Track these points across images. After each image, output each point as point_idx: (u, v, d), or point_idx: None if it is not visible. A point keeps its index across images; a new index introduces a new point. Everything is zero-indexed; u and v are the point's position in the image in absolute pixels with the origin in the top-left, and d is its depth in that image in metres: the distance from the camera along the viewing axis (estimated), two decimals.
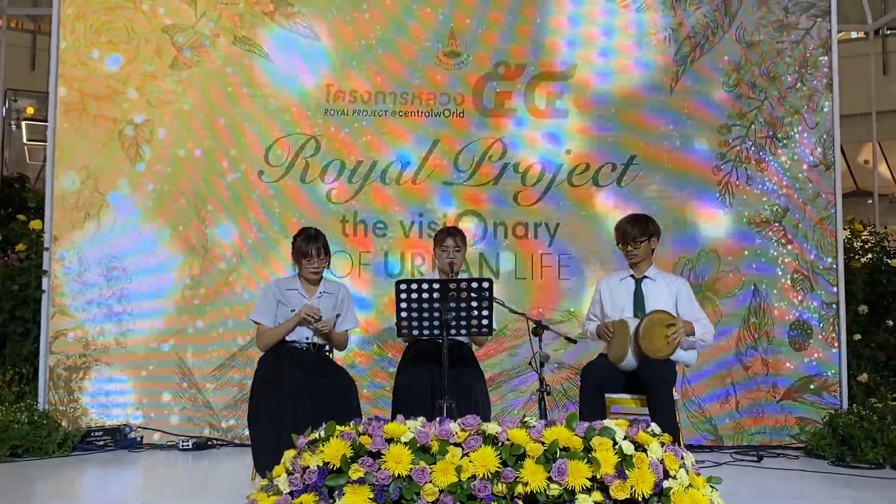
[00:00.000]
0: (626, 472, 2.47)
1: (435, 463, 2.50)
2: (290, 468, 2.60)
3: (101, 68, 5.64)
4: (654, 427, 2.69)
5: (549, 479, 2.45)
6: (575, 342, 4.40)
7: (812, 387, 5.57)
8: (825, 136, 5.71)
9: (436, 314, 3.91)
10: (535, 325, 4.09)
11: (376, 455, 2.52)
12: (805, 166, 5.70)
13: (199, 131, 5.65)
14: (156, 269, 5.57)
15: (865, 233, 6.38)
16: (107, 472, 4.67)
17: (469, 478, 2.47)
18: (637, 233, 4.39)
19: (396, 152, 5.69)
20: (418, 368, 4.27)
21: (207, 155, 5.65)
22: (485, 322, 3.99)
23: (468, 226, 5.55)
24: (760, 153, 5.70)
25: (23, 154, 10.55)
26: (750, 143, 5.70)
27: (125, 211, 5.59)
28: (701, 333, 4.26)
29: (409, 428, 2.59)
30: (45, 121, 5.84)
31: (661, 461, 2.53)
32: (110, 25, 5.66)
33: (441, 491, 2.44)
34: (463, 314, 3.94)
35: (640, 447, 2.56)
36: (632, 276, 4.48)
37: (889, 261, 6.08)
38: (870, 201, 9.24)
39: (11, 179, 6.90)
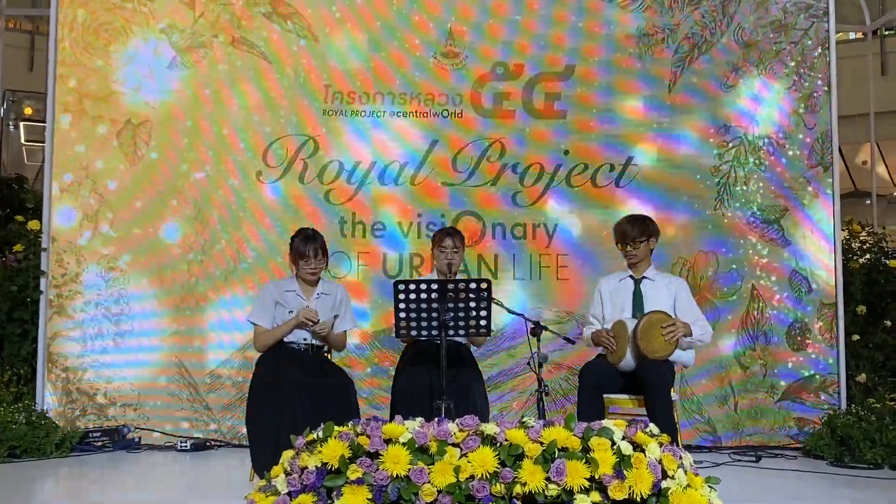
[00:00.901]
0: (625, 472, 2.46)
1: (433, 463, 2.49)
2: (289, 469, 2.60)
3: (100, 69, 5.64)
4: (653, 427, 2.68)
5: (548, 479, 2.45)
6: (573, 343, 4.40)
7: (810, 387, 5.58)
8: (823, 137, 5.72)
9: (434, 315, 3.91)
10: (533, 326, 4.10)
11: (374, 455, 2.52)
12: (803, 167, 5.71)
13: (196, 132, 5.65)
14: (154, 270, 5.57)
15: (864, 233, 6.38)
16: (105, 472, 4.66)
17: (467, 478, 2.46)
18: (636, 233, 4.40)
19: (395, 153, 5.69)
20: (417, 369, 4.27)
21: (205, 156, 5.64)
22: (483, 323, 3.99)
23: (466, 226, 5.54)
24: (759, 153, 5.71)
25: (21, 155, 10.54)
26: (748, 143, 5.70)
27: (123, 211, 5.59)
28: (699, 334, 4.27)
29: (408, 428, 2.59)
30: (44, 121, 5.83)
31: (660, 461, 2.53)
32: (109, 26, 5.66)
33: (439, 491, 2.44)
34: (461, 315, 3.94)
35: (638, 447, 2.56)
36: (631, 276, 4.49)
37: (887, 261, 6.08)
38: (868, 202, 9.25)
39: (9, 180, 6.89)
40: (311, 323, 4.14)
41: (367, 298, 5.59)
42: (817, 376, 5.59)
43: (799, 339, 5.61)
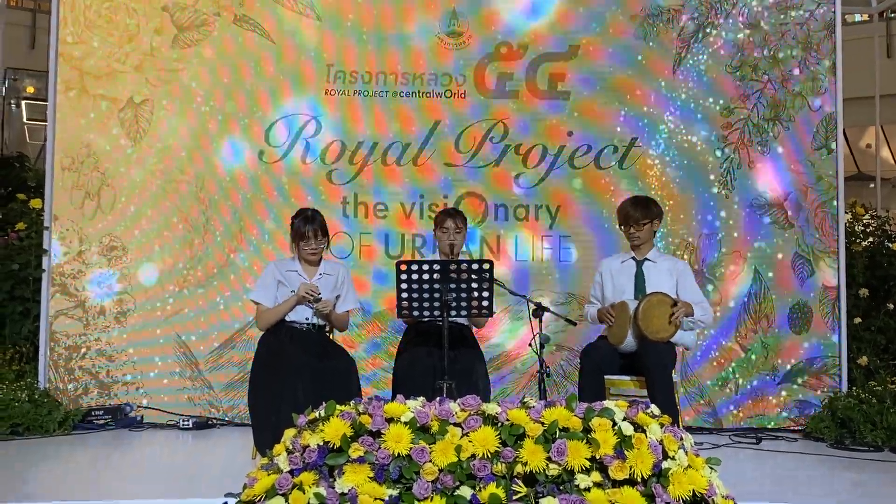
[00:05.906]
0: (626, 452, 2.46)
1: (435, 443, 2.49)
2: (291, 447, 2.60)
3: (101, 47, 5.61)
4: (654, 408, 2.68)
5: (549, 459, 2.45)
6: (575, 324, 4.40)
7: (812, 370, 5.58)
8: (828, 119, 5.69)
9: (436, 295, 3.91)
10: (535, 307, 4.09)
11: (376, 434, 2.52)
12: (807, 149, 5.68)
13: (198, 111, 5.63)
14: (156, 249, 5.57)
15: (867, 216, 6.37)
16: (107, 450, 4.68)
17: (468, 457, 2.46)
18: (640, 215, 4.38)
19: (397, 133, 5.68)
20: (418, 350, 4.27)
21: (207, 134, 5.63)
22: (485, 304, 3.98)
23: (469, 207, 5.53)
24: (763, 136, 5.68)
25: (23, 133, 10.53)
26: (752, 125, 5.68)
27: (125, 190, 5.58)
28: (700, 315, 4.26)
29: (409, 408, 2.59)
30: (45, 100, 5.82)
31: (661, 442, 2.53)
32: (110, 3, 5.63)
33: (441, 470, 2.44)
34: (463, 295, 3.94)
35: (639, 428, 2.55)
36: (633, 258, 4.48)
37: (890, 244, 6.08)
38: (872, 185, 9.24)
39: (11, 159, 6.89)
40: (311, 297, 4.13)
41: (369, 279, 5.59)
42: (819, 359, 5.59)
43: (801, 321, 5.60)
